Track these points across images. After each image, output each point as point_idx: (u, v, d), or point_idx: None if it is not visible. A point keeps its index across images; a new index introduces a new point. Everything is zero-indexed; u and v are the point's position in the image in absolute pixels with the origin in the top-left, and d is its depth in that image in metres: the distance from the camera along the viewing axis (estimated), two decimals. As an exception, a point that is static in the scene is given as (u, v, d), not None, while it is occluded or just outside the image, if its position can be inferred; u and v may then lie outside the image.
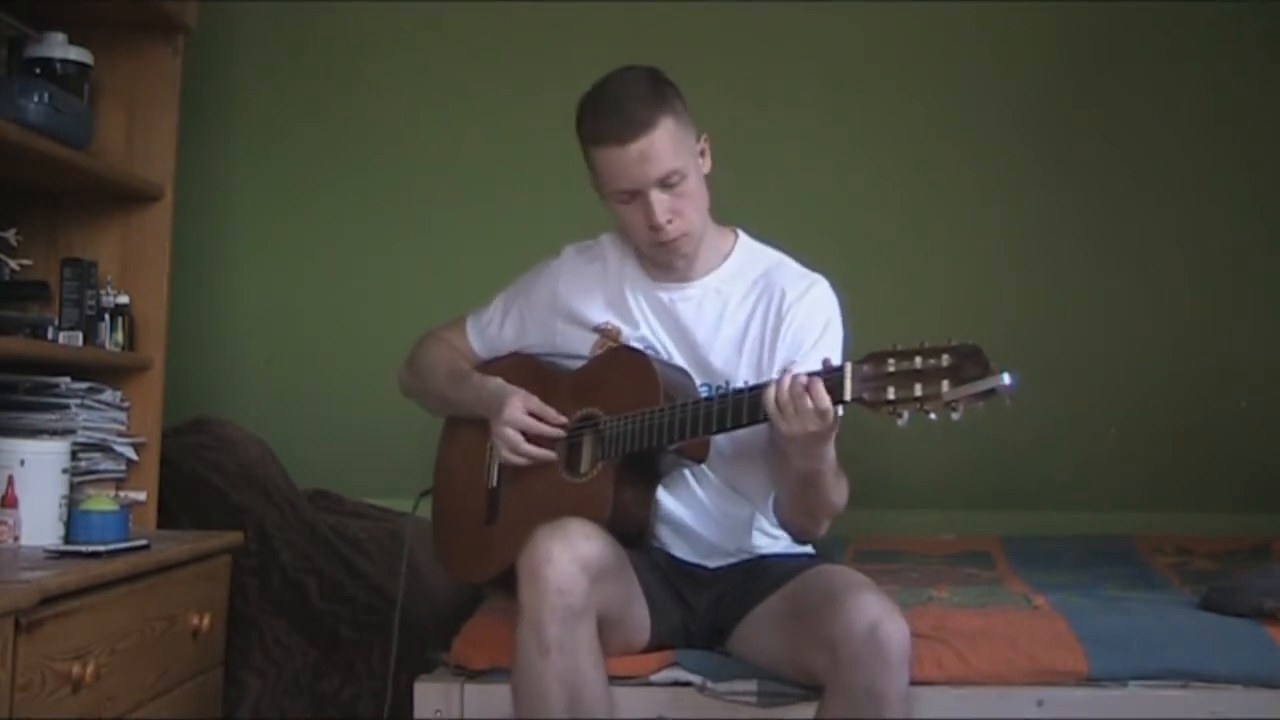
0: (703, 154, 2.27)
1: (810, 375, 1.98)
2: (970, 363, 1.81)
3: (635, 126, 2.17)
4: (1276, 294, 3.57)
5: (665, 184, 2.19)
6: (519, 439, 2.28)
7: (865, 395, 1.90)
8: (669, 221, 2.21)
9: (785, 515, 2.26)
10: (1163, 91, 3.56)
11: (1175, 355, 3.56)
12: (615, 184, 2.21)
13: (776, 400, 1.99)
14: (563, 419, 2.28)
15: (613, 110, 2.19)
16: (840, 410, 1.98)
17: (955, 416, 1.83)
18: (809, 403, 1.96)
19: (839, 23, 3.55)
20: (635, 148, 2.17)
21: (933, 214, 3.59)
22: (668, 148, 2.18)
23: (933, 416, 1.84)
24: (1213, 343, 3.56)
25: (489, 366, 2.46)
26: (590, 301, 2.37)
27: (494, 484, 2.36)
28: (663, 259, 2.30)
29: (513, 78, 3.54)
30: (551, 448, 2.28)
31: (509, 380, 2.38)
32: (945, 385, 1.82)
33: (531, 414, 2.28)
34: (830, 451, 2.07)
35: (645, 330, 2.32)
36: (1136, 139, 3.57)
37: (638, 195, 2.20)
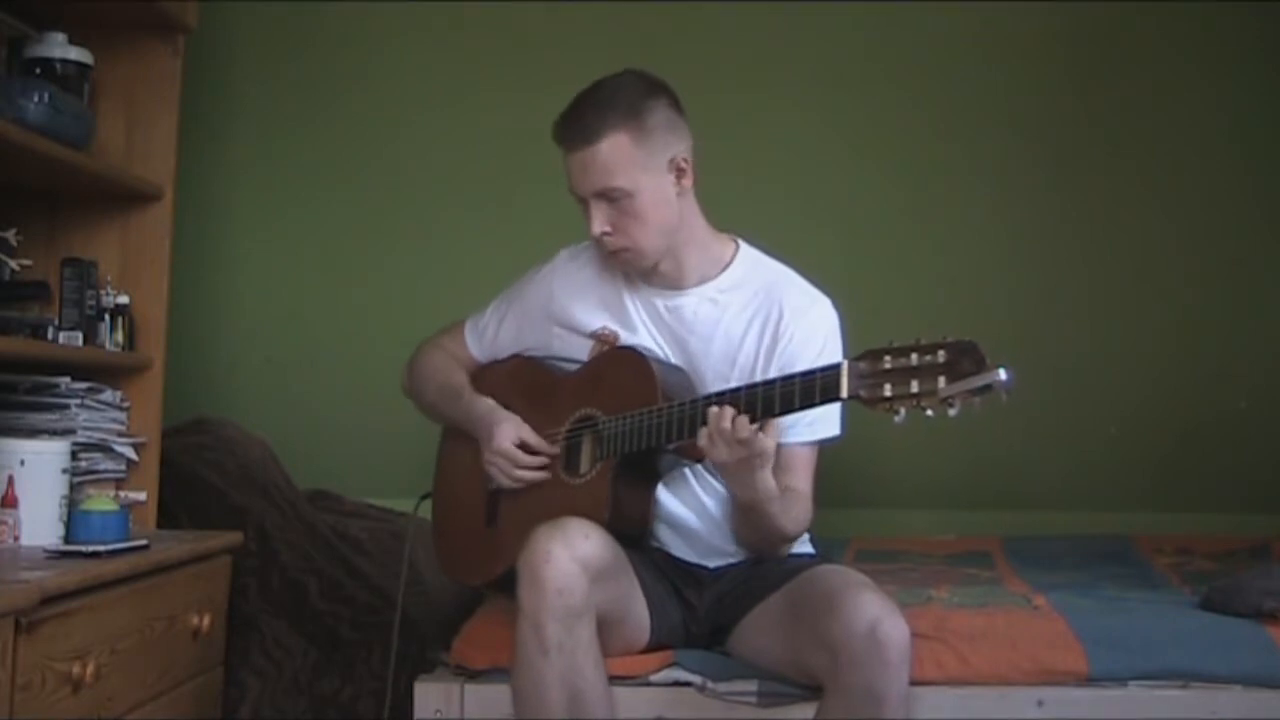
0: (680, 172, 2.23)
1: (733, 403, 2.01)
2: (966, 359, 1.80)
3: (579, 136, 2.17)
4: (1276, 294, 3.57)
5: (606, 197, 2.19)
6: (510, 468, 2.28)
7: (862, 392, 1.89)
8: (606, 234, 2.21)
9: (736, 533, 2.27)
10: (1163, 91, 3.55)
11: (1175, 355, 3.55)
12: (568, 185, 2.23)
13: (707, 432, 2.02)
14: (554, 450, 2.28)
15: (571, 113, 2.20)
16: (771, 445, 2.02)
17: (952, 413, 1.82)
18: (727, 427, 1.99)
19: (839, 23, 3.55)
20: (577, 157, 2.18)
21: (932, 213, 3.59)
22: (611, 164, 2.17)
23: (929, 413, 1.84)
24: (1213, 343, 3.56)
25: (492, 369, 2.46)
26: (585, 307, 2.36)
27: (493, 486, 2.36)
28: (617, 267, 2.30)
29: (513, 77, 3.54)
30: (546, 466, 2.28)
31: (511, 383, 2.39)
32: (941, 381, 1.81)
33: (522, 444, 2.28)
34: (765, 482, 2.07)
35: (645, 336, 2.31)
36: (1136, 139, 3.56)
37: (583, 201, 2.22)
